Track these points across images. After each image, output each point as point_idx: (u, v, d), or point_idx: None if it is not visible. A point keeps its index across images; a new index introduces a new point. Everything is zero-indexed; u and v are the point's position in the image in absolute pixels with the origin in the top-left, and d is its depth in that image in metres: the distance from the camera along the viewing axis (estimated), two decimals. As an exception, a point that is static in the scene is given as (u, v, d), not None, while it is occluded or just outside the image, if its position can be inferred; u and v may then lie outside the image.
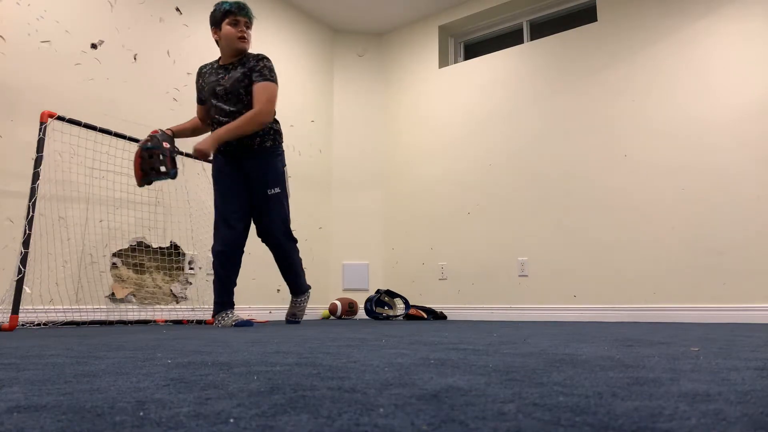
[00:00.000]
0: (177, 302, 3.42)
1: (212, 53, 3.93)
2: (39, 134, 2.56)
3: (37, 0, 2.98)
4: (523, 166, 4.13)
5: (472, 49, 4.94)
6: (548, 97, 4.11)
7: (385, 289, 4.32)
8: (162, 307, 3.32)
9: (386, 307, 4.19)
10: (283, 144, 4.33)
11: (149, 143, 2.50)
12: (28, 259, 2.74)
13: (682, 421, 0.45)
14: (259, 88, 2.62)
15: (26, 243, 2.43)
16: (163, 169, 2.49)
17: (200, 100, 2.84)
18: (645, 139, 3.65)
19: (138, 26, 3.47)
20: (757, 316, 3.13)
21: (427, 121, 4.72)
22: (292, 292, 2.92)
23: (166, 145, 2.52)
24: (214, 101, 2.69)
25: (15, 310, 2.33)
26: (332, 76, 5.06)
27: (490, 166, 4.30)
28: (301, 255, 4.46)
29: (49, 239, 2.86)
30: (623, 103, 3.77)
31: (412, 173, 4.74)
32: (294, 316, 2.94)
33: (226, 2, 2.68)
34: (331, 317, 4.38)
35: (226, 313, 2.69)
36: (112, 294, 3.10)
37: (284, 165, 2.79)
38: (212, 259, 2.71)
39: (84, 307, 2.95)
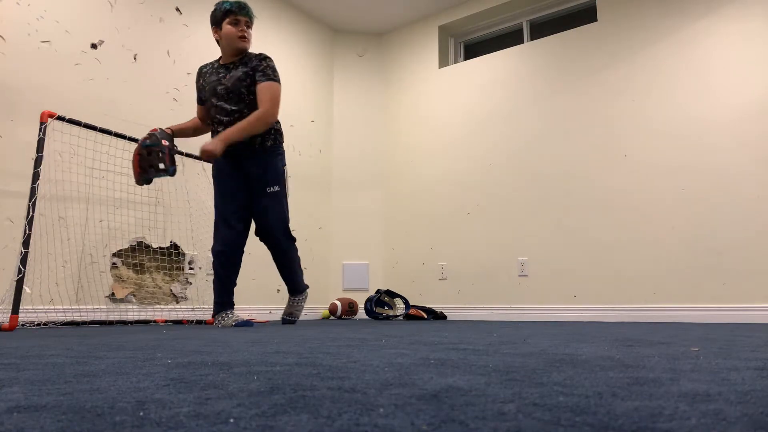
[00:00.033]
0: (177, 302, 3.42)
1: (212, 53, 3.93)
2: (39, 134, 2.56)
3: (37, 0, 2.98)
4: (523, 166, 4.13)
5: (472, 49, 4.94)
6: (548, 97, 4.11)
7: (385, 289, 4.32)
8: (162, 307, 3.32)
9: (386, 307, 4.19)
10: (284, 144, 4.33)
11: (148, 141, 2.50)
12: (28, 259, 2.74)
13: (682, 421, 0.45)
14: (263, 88, 2.62)
15: (26, 243, 2.43)
16: (161, 166, 2.48)
17: (200, 100, 2.83)
18: (645, 139, 3.65)
19: (138, 26, 3.47)
20: (757, 316, 3.13)
21: (427, 121, 4.72)
22: (289, 291, 2.91)
23: (165, 143, 2.52)
24: (214, 100, 2.69)
25: (15, 310, 2.33)
26: (332, 76, 5.06)
27: (490, 166, 4.30)
28: (301, 255, 4.46)
29: (49, 239, 2.86)
30: (623, 103, 3.77)
31: (412, 173, 4.74)
32: (291, 315, 2.91)
33: (227, 2, 2.68)
34: (331, 317, 4.38)
35: (226, 314, 2.69)
36: (112, 294, 3.10)
37: (284, 165, 2.79)
38: (212, 259, 2.71)
39: (84, 307, 2.95)
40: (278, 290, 4.19)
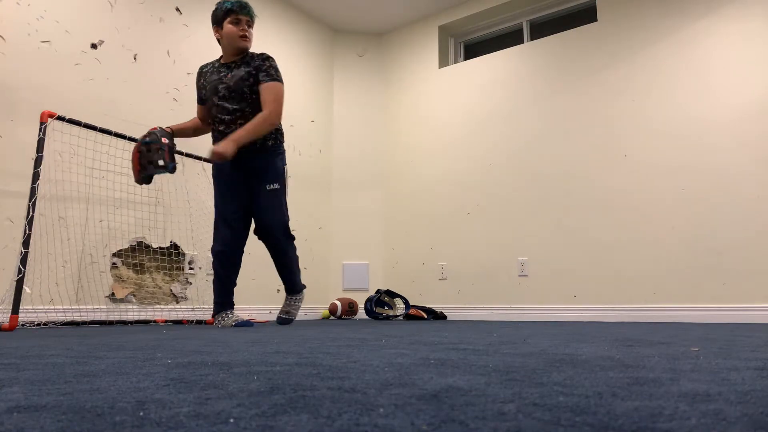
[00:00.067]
0: (177, 302, 3.42)
1: (212, 53, 3.93)
2: (39, 134, 2.56)
3: (37, 0, 2.98)
4: (523, 166, 4.13)
5: (472, 49, 4.94)
6: (548, 97, 4.11)
7: (385, 289, 4.32)
8: (162, 307, 3.32)
9: (386, 307, 4.19)
10: (284, 144, 4.33)
11: (147, 138, 2.50)
12: (28, 259, 2.74)
13: (682, 421, 0.45)
14: (267, 89, 2.63)
15: (26, 243, 2.43)
16: (161, 162, 2.48)
17: (201, 100, 2.83)
18: (645, 139, 3.65)
19: (138, 26, 3.47)
20: (757, 316, 3.13)
21: (427, 121, 4.72)
22: (287, 291, 2.89)
23: (164, 140, 2.52)
24: (216, 99, 2.68)
25: (15, 310, 2.33)
26: (332, 76, 5.06)
27: (490, 166, 4.30)
28: (301, 255, 4.46)
29: (49, 239, 2.86)
30: (623, 103, 3.77)
31: (412, 173, 4.74)
32: (288, 314, 2.86)
33: (228, 1, 2.68)
34: (331, 317, 4.38)
35: (226, 314, 2.69)
36: (112, 294, 3.10)
37: (285, 164, 2.79)
38: (212, 259, 2.71)
39: (84, 307, 2.95)
40: (278, 290, 4.19)
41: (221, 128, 2.68)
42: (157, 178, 3.43)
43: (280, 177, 2.73)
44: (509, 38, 4.70)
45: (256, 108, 2.67)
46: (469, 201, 4.36)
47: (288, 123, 4.50)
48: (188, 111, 3.69)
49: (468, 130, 4.47)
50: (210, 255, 3.64)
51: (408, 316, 4.05)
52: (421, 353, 1.09)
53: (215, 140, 2.73)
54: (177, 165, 2.68)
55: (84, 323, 2.74)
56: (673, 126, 3.56)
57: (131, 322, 2.95)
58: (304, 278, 4.48)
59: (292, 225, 4.41)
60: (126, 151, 3.25)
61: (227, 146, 2.47)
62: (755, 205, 3.23)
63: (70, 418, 0.47)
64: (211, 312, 3.03)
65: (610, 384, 0.66)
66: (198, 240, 3.59)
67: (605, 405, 0.52)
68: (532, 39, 4.51)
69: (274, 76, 2.66)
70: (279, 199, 2.71)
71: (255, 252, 3.98)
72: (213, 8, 3.98)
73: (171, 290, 3.41)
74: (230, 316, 2.69)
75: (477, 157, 4.38)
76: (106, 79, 3.25)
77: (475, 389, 0.62)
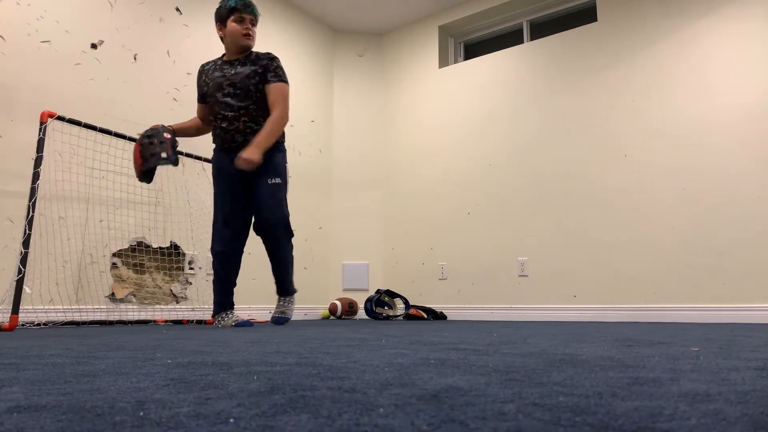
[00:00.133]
0: (177, 302, 3.42)
1: (212, 53, 3.93)
2: (39, 134, 2.56)
3: (37, 0, 2.98)
4: (523, 166, 4.13)
5: (472, 49, 4.94)
6: (548, 97, 4.11)
7: (385, 289, 4.32)
8: (162, 307, 3.32)
9: (386, 307, 4.19)
10: (285, 143, 4.33)
11: (149, 132, 2.51)
12: (28, 259, 2.74)
13: (682, 421, 0.45)
14: (276, 89, 2.65)
15: (26, 243, 2.43)
16: (164, 154, 2.49)
17: (202, 99, 2.81)
18: (645, 139, 3.65)
19: (138, 26, 3.47)
20: (757, 316, 3.13)
21: (427, 121, 4.72)
22: (280, 292, 2.78)
23: (166, 135, 2.53)
24: (219, 96, 2.67)
25: (15, 310, 2.33)
26: (332, 76, 5.06)
27: (490, 166, 4.30)
28: (301, 255, 4.46)
29: (49, 239, 2.86)
30: (623, 103, 3.77)
31: (412, 173, 4.74)
32: (283, 314, 2.77)
33: None
34: (331, 317, 4.38)
35: (226, 314, 2.69)
36: (112, 294, 3.10)
37: (286, 162, 2.78)
38: (212, 259, 2.71)
39: (84, 307, 2.96)
40: (278, 290, 4.19)
41: (224, 125, 2.67)
42: (158, 177, 3.43)
43: (282, 173, 2.72)
44: (509, 38, 4.70)
45: (260, 105, 2.68)
46: (469, 201, 4.36)
47: (288, 123, 4.49)
48: (188, 111, 3.69)
49: (468, 130, 4.47)
50: (210, 255, 3.64)
51: (408, 316, 4.05)
52: (421, 353, 1.09)
53: (217, 138, 2.72)
54: (179, 158, 2.67)
55: (84, 323, 2.74)
56: (673, 126, 3.56)
57: (131, 322, 2.95)
58: (304, 278, 4.48)
59: (292, 225, 4.40)
60: (126, 151, 3.25)
61: (253, 153, 2.51)
62: (755, 205, 3.23)
63: (70, 418, 0.47)
64: (211, 312, 3.03)
65: (610, 384, 0.66)
66: (198, 240, 3.59)
67: (605, 405, 0.52)
68: (532, 39, 4.51)
69: (282, 76, 2.68)
70: (280, 194, 2.68)
71: (255, 252, 3.98)
72: (213, 8, 3.99)
73: (171, 290, 3.41)
74: (230, 316, 2.69)
75: (477, 157, 4.38)
76: (106, 79, 3.25)
77: (475, 389, 0.62)
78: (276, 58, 2.72)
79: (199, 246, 3.60)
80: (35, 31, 2.96)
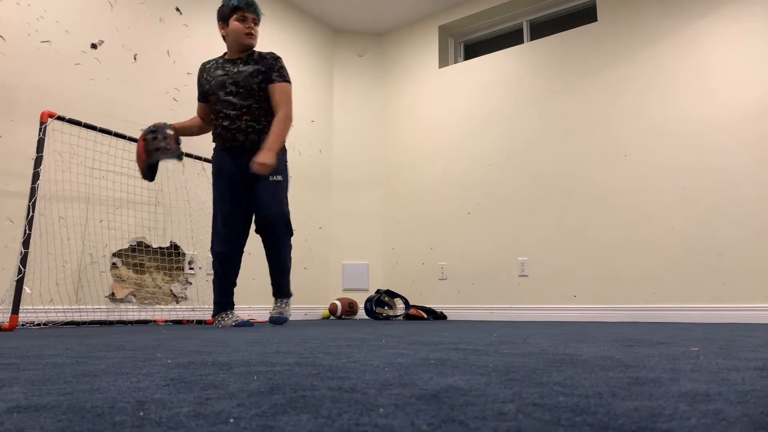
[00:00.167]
0: (177, 302, 3.42)
1: (212, 53, 3.93)
2: (39, 134, 2.56)
3: (37, 0, 2.98)
4: (523, 166, 4.13)
5: (472, 49, 4.94)
6: (548, 97, 4.11)
7: (385, 289, 4.32)
8: (162, 307, 3.32)
9: (386, 307, 4.19)
10: (286, 142, 4.33)
11: (152, 127, 2.51)
12: (28, 259, 2.74)
13: (682, 421, 0.45)
14: (281, 90, 2.66)
15: (26, 243, 2.43)
16: (168, 149, 2.49)
17: (203, 98, 2.79)
18: (645, 139, 3.65)
19: (138, 26, 3.47)
20: (757, 316, 3.13)
21: (427, 121, 4.72)
22: (277, 293, 2.72)
23: (169, 131, 2.53)
24: (222, 94, 2.67)
25: (15, 310, 2.33)
26: (332, 76, 5.06)
27: (490, 166, 4.30)
28: (301, 255, 4.46)
29: (49, 239, 2.87)
30: (623, 103, 3.77)
31: (412, 173, 4.74)
32: (281, 314, 2.71)
33: None
34: (331, 317, 4.38)
35: (226, 314, 2.69)
36: (112, 294, 3.10)
37: (287, 162, 2.78)
38: (212, 259, 2.70)
39: (84, 307, 2.96)
40: (278, 290, 4.19)
41: (225, 123, 2.66)
42: (158, 177, 3.43)
43: (283, 171, 2.71)
44: (509, 38, 4.70)
45: (262, 105, 2.68)
46: (469, 201, 4.36)
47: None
48: (188, 111, 3.69)
49: (468, 130, 4.47)
50: (210, 255, 3.64)
51: (408, 316, 4.05)
52: (421, 353, 1.09)
53: (218, 137, 2.71)
54: (183, 153, 2.66)
55: (84, 323, 2.74)
56: (673, 126, 3.56)
57: (131, 322, 2.95)
58: (304, 278, 4.48)
59: (292, 225, 4.40)
60: (126, 150, 3.25)
61: (267, 157, 2.52)
62: (755, 205, 3.23)
63: (70, 418, 0.47)
64: (211, 312, 3.03)
65: (610, 384, 0.66)
66: (198, 240, 3.59)
67: (605, 405, 0.52)
68: (532, 39, 4.51)
69: (286, 77, 2.70)
70: (281, 191, 2.68)
71: (255, 252, 3.98)
72: (213, 8, 3.99)
73: (171, 290, 3.41)
74: (230, 316, 2.69)
75: (477, 157, 4.38)
76: (106, 79, 3.25)
77: (475, 389, 0.62)
78: (280, 58, 2.73)
79: (199, 246, 3.60)
80: (35, 31, 2.96)
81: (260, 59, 2.70)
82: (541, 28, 4.52)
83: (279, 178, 2.67)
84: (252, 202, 2.71)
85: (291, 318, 4.30)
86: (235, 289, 3.76)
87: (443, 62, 4.84)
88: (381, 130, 5.01)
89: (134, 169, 3.30)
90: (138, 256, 3.26)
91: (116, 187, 3.19)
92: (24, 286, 2.68)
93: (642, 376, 0.73)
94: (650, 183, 3.59)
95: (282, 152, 2.74)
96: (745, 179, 3.28)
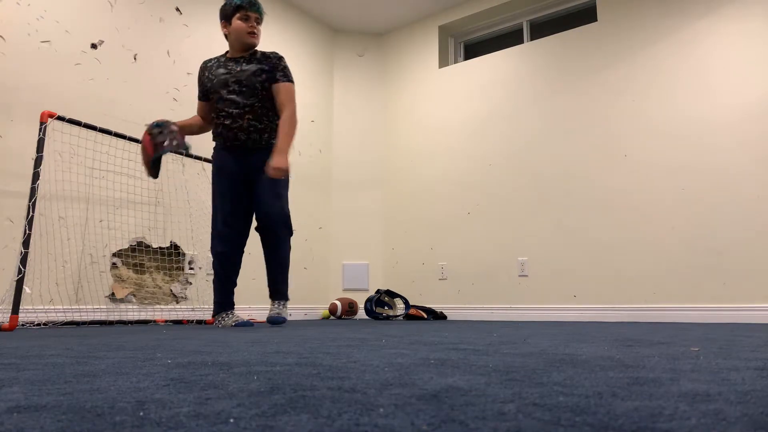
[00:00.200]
0: (177, 302, 3.43)
1: (212, 53, 3.93)
2: (39, 134, 2.56)
3: (37, 0, 2.98)
4: (523, 166, 4.13)
5: (472, 49, 4.94)
6: (548, 97, 4.11)
7: (385, 289, 4.32)
8: (162, 307, 3.32)
9: (386, 307, 4.19)
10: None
11: (157, 122, 2.51)
12: (28, 259, 2.74)
13: (682, 421, 0.45)
14: (285, 89, 2.67)
15: (26, 243, 2.43)
16: (175, 142, 2.50)
17: (204, 96, 2.78)
18: (645, 139, 3.65)
19: (138, 26, 3.47)
20: (757, 316, 3.13)
21: (427, 121, 4.72)
22: (274, 295, 2.67)
23: (174, 127, 2.53)
24: (224, 93, 2.66)
25: (15, 310, 2.33)
26: (332, 76, 5.06)
27: (490, 166, 4.30)
28: (301, 255, 4.46)
29: (49, 239, 2.86)
30: (623, 103, 3.77)
31: (412, 173, 4.74)
32: (279, 314, 2.64)
33: None
34: (331, 317, 4.38)
35: (226, 314, 2.69)
36: (112, 294, 3.10)
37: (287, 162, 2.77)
38: (212, 259, 2.70)
39: (84, 307, 2.96)
40: (278, 290, 4.19)
41: (227, 122, 2.65)
42: (159, 177, 3.43)
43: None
44: (509, 38, 4.70)
45: (265, 104, 2.68)
46: (469, 201, 4.36)
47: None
48: (188, 111, 3.69)
49: (468, 130, 4.47)
50: (210, 255, 3.64)
51: (408, 316, 4.05)
52: (421, 353, 1.09)
53: (219, 136, 2.70)
54: (190, 145, 2.66)
55: (84, 323, 2.74)
56: (673, 126, 3.56)
57: (131, 322, 2.95)
58: (304, 278, 4.48)
59: (292, 225, 4.40)
60: (126, 151, 3.26)
61: (281, 160, 2.53)
62: (755, 205, 3.23)
63: (70, 418, 0.47)
64: (211, 312, 3.03)
65: (610, 384, 0.66)
66: (198, 240, 3.59)
67: (605, 405, 0.52)
68: (532, 39, 4.51)
69: (290, 76, 2.71)
70: (281, 190, 2.67)
71: (255, 252, 3.98)
72: (213, 8, 3.99)
73: (171, 290, 3.41)
74: (230, 316, 2.69)
75: (477, 157, 4.38)
76: (106, 79, 3.25)
77: (475, 389, 0.62)
78: (283, 57, 2.74)
79: (199, 246, 3.60)
80: (35, 31, 2.96)
81: (264, 58, 2.70)
82: (541, 28, 4.52)
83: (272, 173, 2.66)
84: (253, 200, 2.71)
85: (291, 318, 4.30)
86: (236, 289, 3.76)
87: (443, 62, 4.84)
88: (381, 130, 5.01)
89: (134, 169, 3.30)
90: (138, 256, 3.26)
91: (116, 187, 3.19)
92: (24, 286, 2.68)
93: (642, 376, 0.73)
94: (650, 183, 3.59)
95: None
96: (745, 179, 3.28)
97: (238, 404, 0.53)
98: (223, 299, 2.69)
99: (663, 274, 3.46)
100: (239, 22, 2.67)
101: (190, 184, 3.62)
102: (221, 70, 2.70)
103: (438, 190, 4.55)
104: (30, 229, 2.45)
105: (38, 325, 2.55)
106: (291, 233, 2.70)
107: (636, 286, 3.54)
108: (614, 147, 3.76)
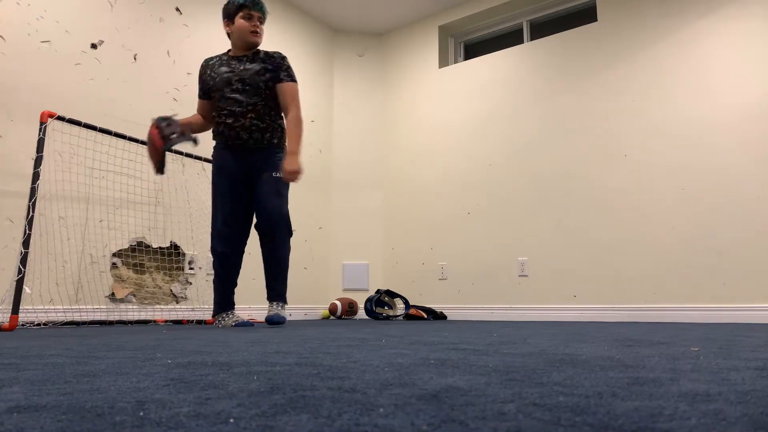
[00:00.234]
0: (177, 302, 3.42)
1: (212, 53, 3.93)
2: (39, 134, 2.56)
3: (37, 0, 2.98)
4: (523, 166, 4.13)
5: (472, 49, 4.94)
6: (548, 97, 4.11)
7: (385, 289, 4.32)
8: (162, 307, 3.32)
9: (386, 307, 4.19)
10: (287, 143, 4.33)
11: (162, 117, 2.51)
12: (28, 259, 2.74)
13: (682, 421, 0.45)
14: (290, 89, 2.68)
15: (26, 243, 2.43)
16: (183, 134, 2.51)
17: (205, 95, 2.77)
18: (645, 139, 3.65)
19: (138, 26, 3.47)
20: (757, 316, 3.13)
21: (427, 121, 4.72)
22: (274, 297, 2.62)
23: (179, 120, 2.55)
24: (227, 91, 2.65)
25: (15, 310, 2.33)
26: (332, 76, 5.06)
27: (490, 166, 4.30)
28: (301, 255, 4.46)
29: (49, 239, 2.86)
30: (623, 103, 3.77)
31: (412, 173, 4.74)
32: (278, 315, 2.57)
33: None
34: (331, 317, 4.38)
35: (227, 314, 2.69)
36: (112, 294, 3.10)
37: None
38: (212, 260, 2.70)
39: (84, 307, 2.96)
40: (278, 290, 4.19)
41: (229, 121, 2.64)
42: (159, 177, 3.43)
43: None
44: (509, 38, 4.70)
45: (269, 103, 2.68)
46: (469, 201, 4.36)
47: (288, 123, 4.50)
48: (188, 111, 3.69)
49: (468, 130, 4.47)
50: (210, 255, 3.64)
51: (408, 316, 4.05)
52: (421, 353, 1.09)
53: (220, 135, 2.68)
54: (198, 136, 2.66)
55: (84, 323, 2.74)
56: (673, 126, 3.56)
57: (131, 322, 2.95)
58: (304, 278, 4.48)
59: (293, 225, 4.40)
60: (126, 151, 3.25)
61: (294, 163, 2.56)
62: (755, 205, 3.23)
63: (70, 418, 0.47)
64: (211, 312, 3.03)
65: (610, 384, 0.66)
66: (198, 240, 3.59)
67: (605, 405, 0.52)
68: (532, 39, 4.51)
69: (293, 76, 2.72)
70: (282, 189, 2.66)
71: (255, 252, 3.97)
72: (213, 8, 3.99)
73: (171, 290, 3.41)
74: (230, 316, 2.69)
75: (477, 157, 4.38)
76: (106, 79, 3.25)
77: (475, 389, 0.62)
78: (286, 57, 2.75)
79: (199, 246, 3.60)
80: (35, 31, 2.96)
81: (267, 58, 2.69)
82: (541, 28, 4.52)
83: (281, 175, 2.66)
84: (253, 200, 2.70)
85: (291, 318, 4.30)
86: (236, 289, 3.76)
87: (443, 62, 4.84)
88: (381, 130, 5.01)
89: (134, 169, 3.30)
90: (138, 256, 3.26)
91: (116, 187, 3.19)
92: (24, 286, 2.68)
93: (642, 376, 0.73)
94: (650, 183, 3.59)
95: (283, 152, 2.73)
96: (745, 179, 3.28)
97: (238, 404, 0.53)
98: (223, 299, 2.69)
99: (663, 274, 3.46)
100: (242, 21, 2.67)
101: (190, 184, 3.62)
102: (224, 69, 2.69)
103: (438, 190, 4.55)
104: (30, 229, 2.45)
105: (38, 325, 2.55)
106: (290, 234, 2.69)
107: (636, 286, 3.54)
108: (614, 147, 3.76)
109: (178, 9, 3.74)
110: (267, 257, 2.64)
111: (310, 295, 4.51)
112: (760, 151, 3.26)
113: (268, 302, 2.69)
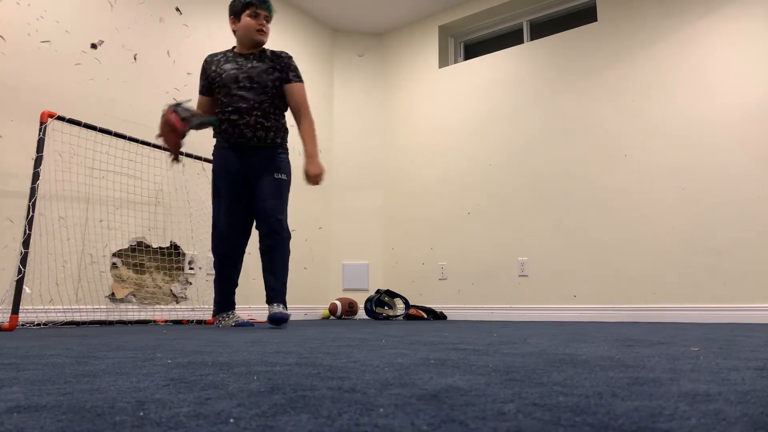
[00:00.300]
0: (177, 302, 3.42)
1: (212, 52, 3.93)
2: (39, 134, 2.56)
3: (37, 0, 2.98)
4: (523, 166, 4.13)
5: (472, 49, 4.94)
6: (548, 97, 4.11)
7: (385, 289, 4.32)
8: (162, 307, 3.32)
9: (386, 307, 4.19)
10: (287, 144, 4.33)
11: (176, 102, 2.51)
12: (28, 259, 2.74)
13: (682, 421, 0.45)
14: (299, 90, 2.69)
15: (26, 243, 2.43)
16: (201, 114, 2.52)
17: (207, 91, 2.74)
18: (645, 139, 3.65)
19: (138, 26, 3.47)
20: (757, 316, 3.13)
21: (427, 121, 4.72)
22: (274, 298, 2.55)
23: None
24: (234, 88, 2.63)
25: (15, 310, 2.33)
26: (332, 76, 5.06)
27: (490, 166, 4.30)
28: (301, 255, 4.46)
29: (49, 239, 2.86)
30: (623, 103, 3.77)
31: (412, 173, 4.74)
32: (279, 314, 2.47)
33: None
34: (331, 317, 4.38)
35: (227, 314, 2.69)
36: (112, 294, 3.10)
37: (289, 162, 2.76)
38: (213, 260, 2.69)
39: (84, 307, 2.95)
40: (278, 290, 4.19)
41: (234, 117, 2.62)
42: (158, 177, 3.43)
43: (287, 170, 2.69)
44: (509, 38, 4.70)
45: (275, 101, 2.67)
46: (469, 201, 4.36)
47: (288, 123, 4.49)
48: (188, 111, 3.69)
49: (468, 130, 4.47)
50: (210, 255, 3.64)
51: (408, 316, 4.05)
52: (421, 353, 1.09)
53: (223, 132, 2.67)
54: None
55: (84, 323, 2.74)
56: (673, 126, 3.56)
57: (131, 322, 2.95)
58: (304, 278, 4.48)
59: (292, 225, 4.40)
60: (126, 151, 3.25)
61: (316, 166, 2.59)
62: (755, 205, 3.23)
63: (70, 418, 0.47)
64: (211, 312, 3.03)
65: (610, 384, 0.66)
66: (198, 240, 3.59)
67: (605, 405, 0.52)
68: (532, 39, 4.51)
69: (301, 77, 2.73)
70: (283, 190, 2.65)
71: (255, 252, 3.97)
72: (213, 8, 3.99)
73: (171, 290, 3.41)
74: (230, 316, 2.69)
75: (477, 157, 4.38)
76: (106, 79, 3.25)
77: (475, 389, 0.62)
78: (292, 57, 2.75)
79: (199, 246, 3.60)
80: (35, 31, 2.96)
81: (274, 57, 2.69)
82: (541, 28, 4.52)
83: (283, 176, 2.66)
84: (254, 199, 2.68)
85: (291, 318, 4.30)
86: (236, 290, 3.76)
87: (443, 62, 4.84)
88: (381, 130, 5.01)
89: (134, 169, 3.30)
90: (138, 256, 3.26)
91: (116, 187, 3.19)
92: (24, 286, 2.68)
93: (642, 376, 0.73)
94: (650, 183, 3.59)
95: (286, 154, 2.73)
96: (745, 179, 3.28)
97: (238, 404, 0.53)
98: (224, 299, 2.69)
99: (663, 274, 3.46)
100: (248, 19, 2.67)
101: (190, 184, 3.62)
102: (230, 65, 2.68)
103: (438, 190, 4.55)
104: (30, 229, 2.45)
105: (38, 325, 2.55)
106: (289, 236, 2.66)
107: (636, 286, 3.54)
108: (614, 147, 3.76)
109: (178, 9, 3.74)
110: (267, 257, 2.60)
111: (310, 295, 4.51)
112: (760, 151, 3.26)
113: (267, 305, 2.65)
